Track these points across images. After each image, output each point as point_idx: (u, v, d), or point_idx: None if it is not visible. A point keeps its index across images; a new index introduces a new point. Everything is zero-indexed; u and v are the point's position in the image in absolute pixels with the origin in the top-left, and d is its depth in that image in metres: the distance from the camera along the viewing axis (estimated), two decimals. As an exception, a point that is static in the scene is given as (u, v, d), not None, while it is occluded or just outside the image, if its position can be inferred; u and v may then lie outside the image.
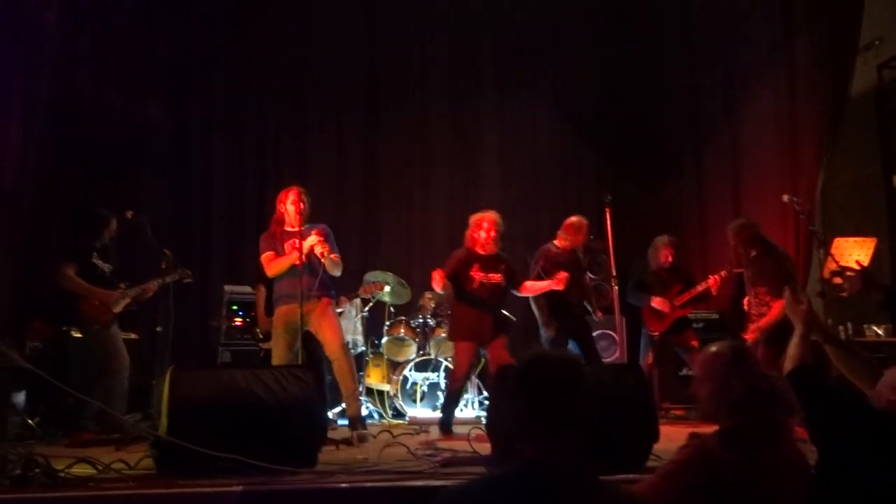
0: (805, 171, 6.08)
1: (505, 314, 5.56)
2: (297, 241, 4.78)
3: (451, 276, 5.19)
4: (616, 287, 4.77)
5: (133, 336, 5.60)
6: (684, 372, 6.23)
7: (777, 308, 4.96)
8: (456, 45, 8.56)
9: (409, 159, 8.33)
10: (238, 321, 6.33)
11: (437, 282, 4.88)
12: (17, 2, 4.54)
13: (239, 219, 7.73)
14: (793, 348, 2.52)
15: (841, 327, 6.07)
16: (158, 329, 5.05)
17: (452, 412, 5.30)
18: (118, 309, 4.97)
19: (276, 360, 4.75)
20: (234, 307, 6.39)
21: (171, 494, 2.72)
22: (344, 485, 2.98)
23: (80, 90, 6.22)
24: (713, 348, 2.23)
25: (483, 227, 5.27)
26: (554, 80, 8.66)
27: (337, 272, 4.91)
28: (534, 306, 5.74)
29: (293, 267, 4.72)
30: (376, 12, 8.43)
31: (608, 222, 4.69)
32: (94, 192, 6.29)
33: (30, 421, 4.62)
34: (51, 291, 5.10)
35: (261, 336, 5.63)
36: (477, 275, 5.25)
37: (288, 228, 4.92)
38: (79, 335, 5.46)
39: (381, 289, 6.43)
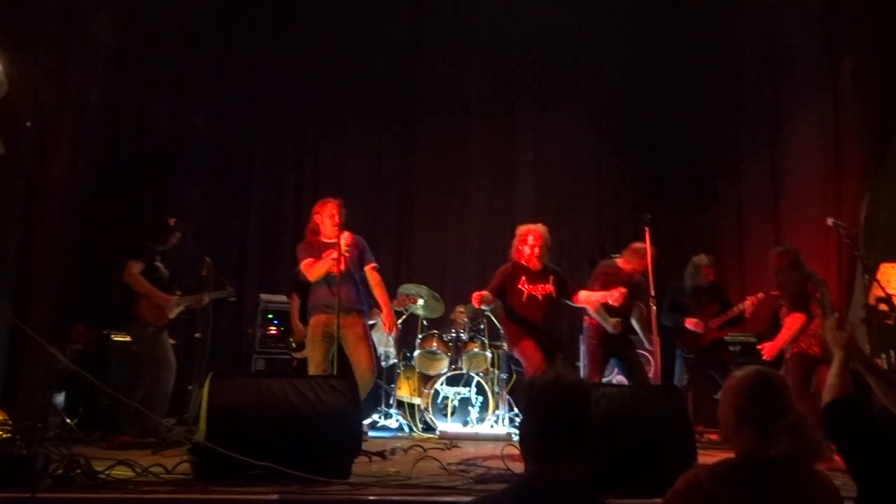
0: (849, 196, 5.97)
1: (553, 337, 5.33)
2: (335, 250, 4.87)
3: (497, 290, 5.05)
4: (654, 308, 4.70)
5: (172, 341, 5.69)
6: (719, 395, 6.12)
7: (789, 326, 4.86)
8: (495, 61, 8.60)
9: (445, 174, 8.36)
10: (273, 330, 6.40)
11: (476, 300, 4.82)
12: (72, 13, 4.65)
13: (275, 228, 7.85)
14: (832, 377, 2.44)
15: (883, 355, 5.92)
16: (197, 335, 5.13)
17: None
18: (173, 315, 5.05)
19: (314, 367, 4.78)
20: (270, 316, 6.47)
21: (207, 500, 2.75)
22: (375, 497, 2.98)
23: (128, 100, 6.36)
24: (738, 373, 2.16)
25: (528, 242, 5.10)
26: (592, 98, 8.63)
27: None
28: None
29: (330, 276, 4.81)
30: (417, 28, 8.52)
31: (647, 242, 4.62)
32: (139, 199, 6.43)
33: (69, 421, 4.67)
34: (101, 294, 5.11)
35: (294, 345, 5.68)
36: (524, 287, 5.08)
37: (324, 239, 5.01)
38: (119, 339, 5.59)
39: (415, 302, 6.45)
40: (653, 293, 4.64)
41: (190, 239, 5.08)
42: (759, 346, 5.32)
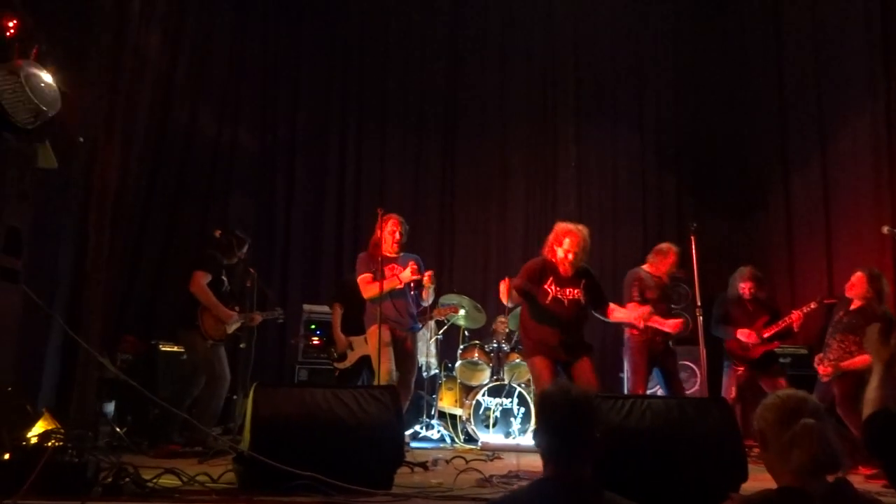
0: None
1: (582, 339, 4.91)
2: (396, 266, 5.08)
3: (522, 288, 4.61)
4: (700, 317, 4.57)
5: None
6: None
7: (863, 358, 4.73)
8: (535, 70, 8.60)
9: (487, 184, 8.37)
10: (316, 340, 6.44)
11: (504, 292, 4.51)
12: (123, 30, 4.78)
13: (318, 239, 7.93)
14: (871, 391, 2.36)
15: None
16: (242, 346, 5.18)
17: None
18: (231, 330, 5.11)
19: (385, 375, 4.76)
20: (312, 326, 6.53)
21: (250, 509, 2.77)
22: (421, 509, 2.97)
23: (176, 114, 6.51)
24: (774, 396, 2.05)
25: (563, 245, 4.58)
26: (635, 107, 8.56)
27: (430, 300, 5.28)
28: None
29: (397, 291, 5.03)
30: (458, 37, 8.56)
31: (693, 251, 4.51)
32: (185, 211, 6.55)
33: (118, 430, 4.76)
34: (182, 296, 5.10)
35: (336, 356, 5.70)
36: (551, 289, 4.61)
37: (386, 254, 5.08)
38: (167, 349, 5.69)
39: (456, 312, 6.43)
40: (699, 303, 4.52)
41: (243, 252, 5.15)
42: (819, 366, 5.21)
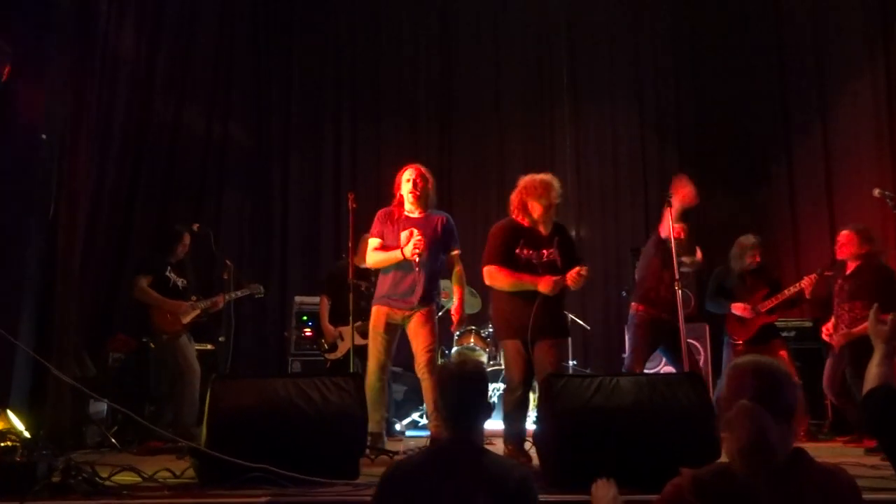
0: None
1: (563, 314, 4.49)
2: (413, 231, 4.34)
3: (502, 258, 4.09)
4: (679, 291, 4.39)
5: (209, 347, 5.77)
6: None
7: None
8: (529, 50, 8.45)
9: (483, 168, 8.25)
10: (308, 332, 6.41)
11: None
12: (93, 24, 4.75)
13: (315, 232, 7.90)
14: (873, 367, 2.32)
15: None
16: (221, 339, 5.17)
17: (517, 425, 4.21)
18: (187, 320, 5.11)
19: (373, 361, 4.39)
20: (304, 318, 6.49)
21: (199, 504, 2.73)
22: (377, 498, 2.89)
23: (160, 109, 6.47)
24: (733, 364, 1.98)
25: (547, 196, 4.15)
26: (632, 82, 8.36)
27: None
28: None
29: (404, 262, 4.35)
30: (449, 21, 8.44)
31: (669, 221, 4.33)
32: (175, 207, 6.54)
33: (102, 429, 4.77)
34: (130, 304, 5.28)
35: (325, 347, 5.66)
36: (523, 253, 4.13)
37: (409, 213, 4.47)
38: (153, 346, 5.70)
39: (449, 297, 6.32)
40: (677, 276, 4.35)
41: (213, 243, 5.11)
42: (829, 335, 5.10)
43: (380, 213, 4.56)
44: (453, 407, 2.15)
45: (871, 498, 2.77)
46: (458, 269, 4.70)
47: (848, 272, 5.11)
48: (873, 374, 2.30)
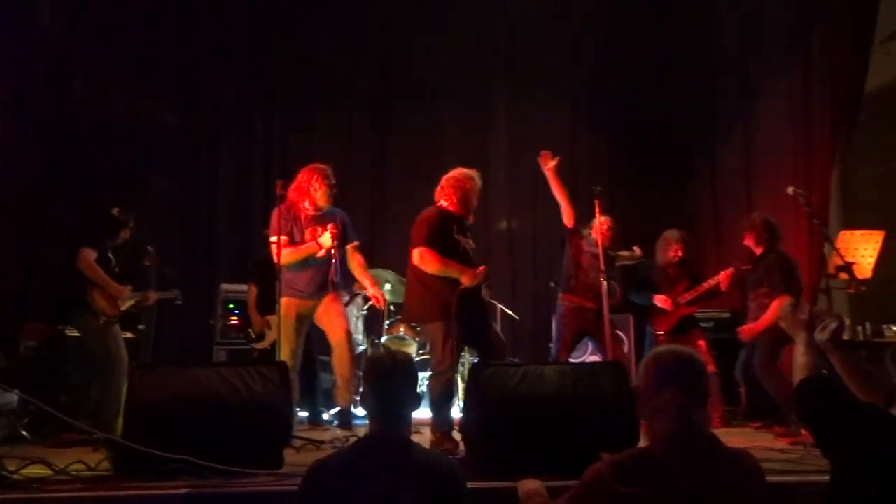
0: (819, 167, 5.84)
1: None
2: (321, 229, 4.61)
3: (433, 240, 4.22)
4: (604, 282, 4.55)
5: (129, 335, 5.57)
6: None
7: (773, 309, 4.79)
8: (467, 42, 8.43)
9: (418, 158, 8.20)
10: (234, 320, 6.28)
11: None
12: (5, 5, 4.50)
13: (245, 218, 7.71)
14: (800, 357, 2.40)
15: (859, 327, 5.81)
16: (141, 327, 5.01)
17: (444, 413, 4.29)
18: (124, 307, 4.94)
19: (286, 348, 4.48)
20: (231, 305, 6.35)
21: (114, 497, 2.64)
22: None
23: (82, 90, 6.20)
24: (654, 353, 2.05)
25: (474, 189, 4.48)
26: (566, 77, 8.47)
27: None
28: None
29: (310, 259, 4.59)
30: (388, 10, 8.35)
31: (597, 216, 4.46)
32: (97, 190, 6.29)
33: (12, 421, 4.56)
34: (55, 287, 4.97)
35: (253, 336, 5.56)
36: (460, 239, 4.32)
37: (308, 211, 4.68)
38: (76, 334, 5.47)
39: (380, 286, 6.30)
40: (603, 268, 4.47)
41: (134, 230, 4.94)
42: (739, 329, 5.25)
43: (278, 211, 4.61)
44: (383, 399, 2.12)
45: (777, 480, 2.91)
46: (359, 259, 4.97)
47: (751, 262, 5.33)
48: (801, 363, 2.38)
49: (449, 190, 4.46)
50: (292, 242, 4.63)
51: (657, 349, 2.08)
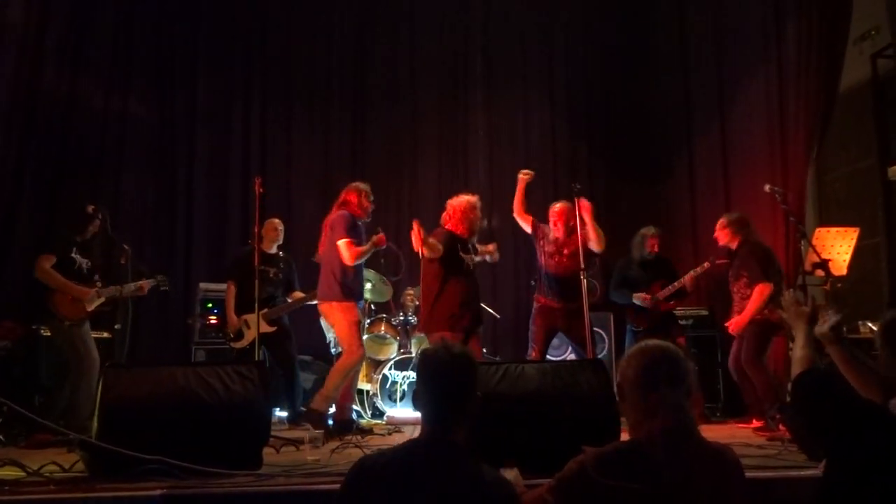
0: (795, 165, 5.89)
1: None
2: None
3: (442, 249, 4.85)
4: (584, 280, 4.58)
5: (105, 335, 5.50)
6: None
7: (756, 298, 4.84)
8: (444, 38, 8.43)
9: (396, 154, 8.20)
10: (213, 319, 6.20)
11: (417, 236, 4.70)
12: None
13: (222, 214, 7.62)
14: (798, 350, 2.41)
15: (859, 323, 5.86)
16: (117, 327, 4.94)
17: None
18: (91, 307, 4.85)
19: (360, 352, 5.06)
20: (209, 305, 6.28)
21: (88, 499, 2.59)
22: (279, 487, 2.83)
23: (53, 79, 6.08)
24: (637, 350, 2.04)
25: (478, 214, 5.17)
26: (544, 74, 8.51)
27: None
28: None
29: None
30: (368, 5, 8.30)
31: (578, 212, 4.49)
32: (70, 186, 6.18)
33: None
34: (26, 287, 4.92)
35: (231, 336, 5.49)
36: (466, 258, 4.93)
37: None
38: (49, 334, 5.38)
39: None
40: (583, 265, 4.50)
41: (108, 226, 4.86)
42: (726, 324, 5.28)
43: (351, 218, 5.08)
44: (436, 398, 1.91)
45: (755, 476, 2.93)
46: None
47: (729, 256, 5.38)
48: (799, 356, 2.39)
49: (456, 220, 5.04)
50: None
51: (640, 345, 2.07)
